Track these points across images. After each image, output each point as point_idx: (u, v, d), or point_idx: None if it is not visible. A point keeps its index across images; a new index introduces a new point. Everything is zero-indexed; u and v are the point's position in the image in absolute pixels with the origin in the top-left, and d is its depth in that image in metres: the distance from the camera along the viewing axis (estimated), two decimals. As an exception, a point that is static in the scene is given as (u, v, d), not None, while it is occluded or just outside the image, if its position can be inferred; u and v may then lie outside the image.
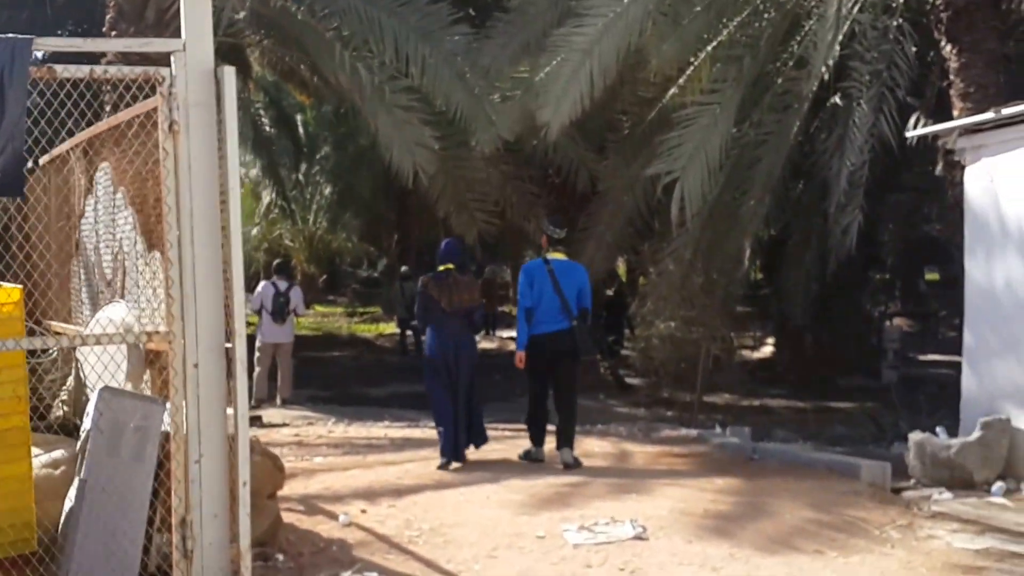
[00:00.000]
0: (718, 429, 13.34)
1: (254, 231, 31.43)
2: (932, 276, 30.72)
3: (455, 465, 10.31)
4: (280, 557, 7.19)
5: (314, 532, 7.71)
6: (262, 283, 17.11)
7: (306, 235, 33.71)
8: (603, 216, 16.65)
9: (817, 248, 17.22)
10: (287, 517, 8.07)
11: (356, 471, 10.20)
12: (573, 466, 10.19)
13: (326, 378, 21.28)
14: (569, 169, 16.86)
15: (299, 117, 30.69)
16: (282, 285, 16.83)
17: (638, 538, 7.33)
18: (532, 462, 10.53)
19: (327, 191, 32.83)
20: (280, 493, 8.91)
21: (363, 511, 8.30)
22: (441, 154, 16.21)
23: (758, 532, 7.51)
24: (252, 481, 7.27)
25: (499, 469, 10.17)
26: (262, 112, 26.37)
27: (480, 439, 10.78)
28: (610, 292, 21.38)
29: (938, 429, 9.77)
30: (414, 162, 14.03)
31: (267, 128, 27.39)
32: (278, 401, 16.87)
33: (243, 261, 6.00)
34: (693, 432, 13.13)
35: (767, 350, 22.99)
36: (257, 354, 16.84)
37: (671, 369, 14.96)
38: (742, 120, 14.33)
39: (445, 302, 10.36)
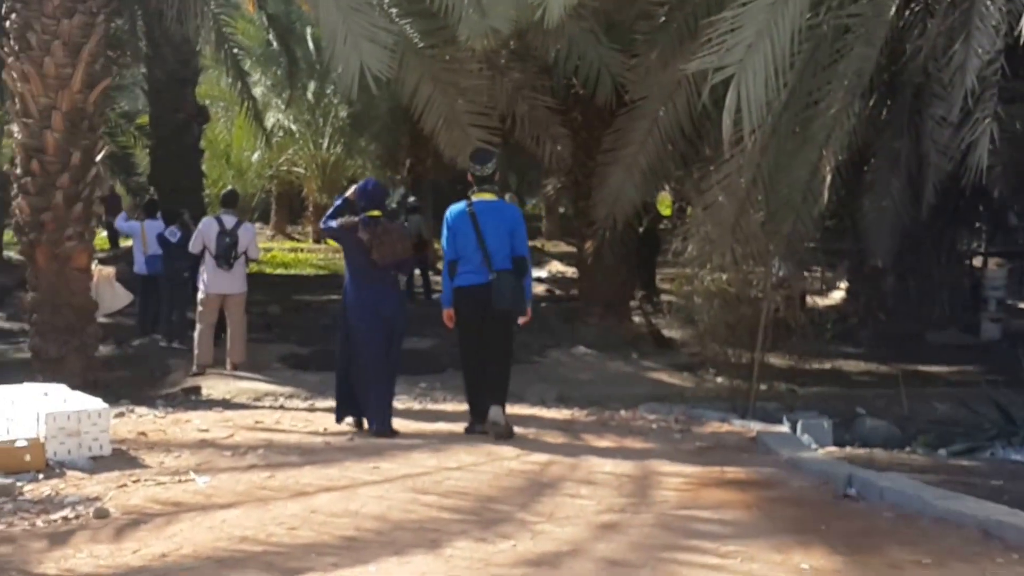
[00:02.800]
0: (786, 424, 9.54)
1: (255, 156, 27.81)
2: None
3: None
4: None
5: None
6: (205, 219, 13.36)
7: (318, 162, 30.03)
8: (634, 134, 12.77)
9: (907, 172, 13.31)
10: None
11: (239, 511, 6.57)
12: (503, 431, 8.62)
13: (311, 330, 17.54)
14: (591, 76, 12.96)
15: (309, 30, 26.87)
16: (229, 221, 13.08)
17: None
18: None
19: (342, 113, 29.06)
20: (98, 563, 5.50)
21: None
22: (426, 55, 12.53)
23: None
24: None
25: (454, 499, 6.61)
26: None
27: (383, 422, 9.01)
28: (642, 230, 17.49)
29: None
30: (361, 62, 10.26)
31: (271, 43, 23.74)
32: (228, 367, 13.22)
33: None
34: (751, 428, 9.36)
35: (837, 295, 18.96)
36: (199, 308, 13.19)
37: (720, 336, 11.12)
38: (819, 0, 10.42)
39: (377, 254, 8.80)
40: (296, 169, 30.90)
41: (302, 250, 28.94)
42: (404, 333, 9.36)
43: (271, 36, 23.47)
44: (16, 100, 12.34)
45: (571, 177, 16.69)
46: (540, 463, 7.73)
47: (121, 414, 10.57)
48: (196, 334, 13.14)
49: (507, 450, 8.16)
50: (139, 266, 16.13)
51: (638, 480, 7.27)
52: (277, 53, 25.02)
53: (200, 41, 17.66)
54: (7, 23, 12.36)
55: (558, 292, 22.23)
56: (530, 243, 28.84)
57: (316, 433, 9.09)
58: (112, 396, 12.11)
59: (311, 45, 26.66)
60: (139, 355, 15.09)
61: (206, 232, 12.99)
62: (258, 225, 34.51)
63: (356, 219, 9.00)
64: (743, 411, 10.79)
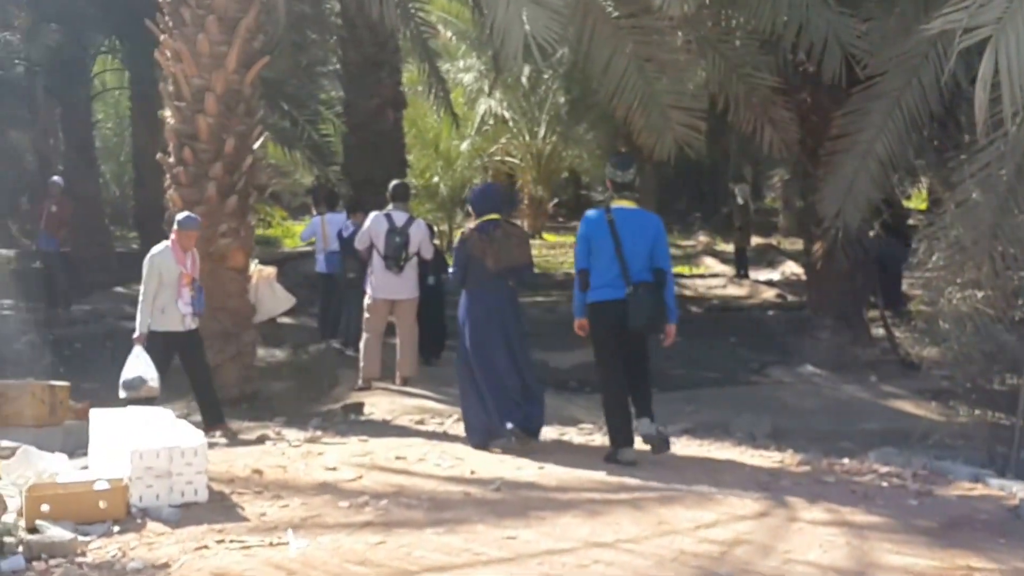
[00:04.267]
0: (1059, 486, 7.54)
1: (464, 145, 26.63)
2: None
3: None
4: None
5: None
6: (373, 215, 12.08)
7: (533, 151, 28.69)
8: (871, 117, 10.90)
9: None
10: None
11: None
12: (658, 443, 8.34)
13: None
14: (817, 47, 11.10)
15: (524, 12, 25.50)
16: (399, 218, 11.75)
17: None
18: (622, 466, 8.10)
19: (561, 99, 27.60)
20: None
21: None
22: (620, 26, 11.00)
23: None
24: None
25: None
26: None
27: (536, 422, 8.77)
28: (873, 233, 15.21)
29: None
30: (526, 29, 8.94)
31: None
32: (397, 380, 11.95)
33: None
34: (1012, 492, 7.40)
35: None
36: (365, 314, 11.96)
37: (976, 364, 9.09)
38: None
39: (492, 260, 8.70)
40: (510, 159, 29.65)
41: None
42: (525, 343, 9.02)
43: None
44: (169, 82, 11.43)
45: (799, 168, 14.73)
46: (722, 543, 6.05)
47: (264, 437, 9.57)
48: (362, 344, 11.92)
49: (683, 518, 6.53)
50: (319, 264, 15.13)
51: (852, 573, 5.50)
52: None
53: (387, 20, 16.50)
54: (161, -5, 11.48)
55: (790, 297, 20.14)
56: (765, 240, 26.79)
57: (458, 479, 7.65)
58: (269, 411, 11.21)
59: (526, 26, 25.37)
60: (313, 362, 14.05)
61: (374, 230, 11.72)
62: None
63: (472, 229, 8.94)
64: (1003, 462, 8.77)
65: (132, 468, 6.71)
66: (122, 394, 9.33)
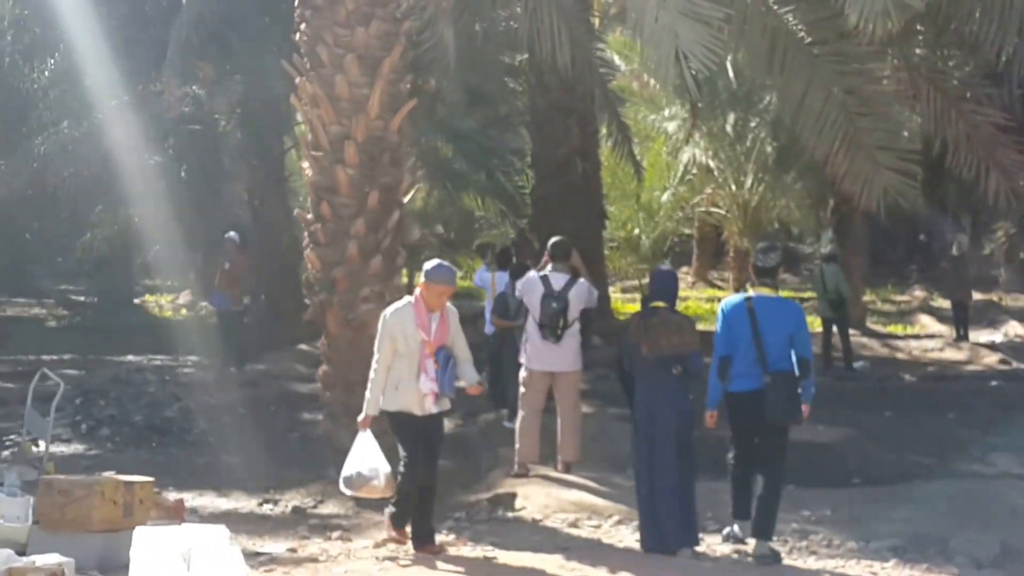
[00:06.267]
0: None
1: (665, 196, 24.45)
2: None
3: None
4: None
5: None
6: (530, 275, 10.09)
7: (739, 202, 26.25)
8: None
9: None
10: None
11: None
12: (767, 560, 7.36)
13: (698, 409, 13.78)
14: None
15: (729, 56, 23.28)
16: (558, 280, 9.69)
17: None
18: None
19: (768, 148, 25.21)
20: None
21: None
22: (815, 55, 8.87)
23: None
24: None
25: None
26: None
27: (688, 538, 7.62)
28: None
29: None
30: (676, 47, 7.02)
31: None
32: (558, 467, 9.88)
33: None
34: None
35: None
36: (521, 388, 9.96)
37: None
38: None
39: (646, 346, 7.70)
40: (715, 210, 27.31)
41: (719, 299, 25.30)
42: (688, 438, 7.80)
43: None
44: (307, 129, 9.84)
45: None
46: None
47: (383, 544, 7.57)
48: (517, 422, 9.93)
49: None
50: (488, 326, 13.21)
51: None
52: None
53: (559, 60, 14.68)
54: (297, 35, 9.87)
55: (1015, 364, 17.10)
56: (985, 296, 23.50)
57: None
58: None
59: (730, 72, 23.13)
60: (480, 436, 12.20)
61: (528, 293, 9.76)
62: (683, 269, 31.27)
63: (637, 314, 8.46)
64: None
65: (145, 621, 4.89)
66: (344, 491, 7.58)
